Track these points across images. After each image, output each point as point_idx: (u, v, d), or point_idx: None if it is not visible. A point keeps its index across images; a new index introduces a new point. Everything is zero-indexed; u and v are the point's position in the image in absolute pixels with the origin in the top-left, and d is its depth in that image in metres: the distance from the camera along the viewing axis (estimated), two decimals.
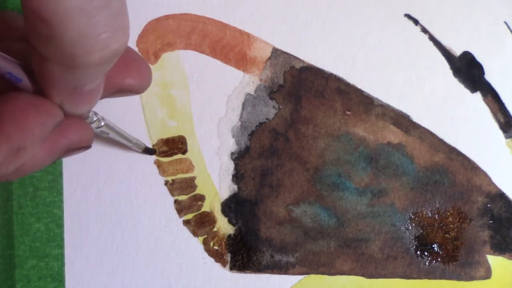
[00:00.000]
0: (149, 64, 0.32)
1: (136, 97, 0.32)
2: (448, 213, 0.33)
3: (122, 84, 0.24)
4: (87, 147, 0.24)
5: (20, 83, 0.20)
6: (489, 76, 0.34)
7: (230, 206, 0.32)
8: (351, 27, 0.33)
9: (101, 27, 0.17)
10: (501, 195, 0.33)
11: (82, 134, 0.23)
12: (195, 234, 0.32)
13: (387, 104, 0.33)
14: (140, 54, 0.25)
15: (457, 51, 0.34)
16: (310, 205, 0.32)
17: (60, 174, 0.31)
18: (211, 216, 0.32)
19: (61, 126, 0.22)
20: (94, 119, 0.25)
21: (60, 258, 0.31)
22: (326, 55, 0.33)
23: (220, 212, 0.32)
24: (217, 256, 0.32)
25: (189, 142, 0.32)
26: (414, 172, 0.33)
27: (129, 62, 0.24)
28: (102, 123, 0.26)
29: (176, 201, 0.32)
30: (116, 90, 0.24)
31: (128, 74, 0.24)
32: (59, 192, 0.31)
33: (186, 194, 0.32)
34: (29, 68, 0.20)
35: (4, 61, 0.20)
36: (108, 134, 0.28)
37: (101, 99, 0.23)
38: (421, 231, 0.33)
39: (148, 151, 0.31)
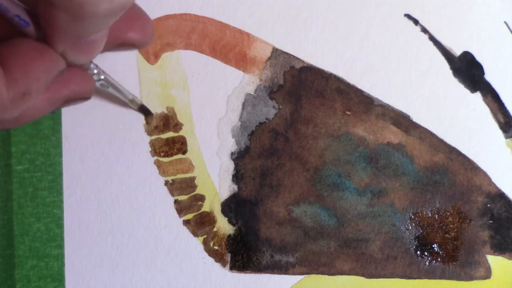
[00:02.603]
0: (149, 64, 0.32)
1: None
2: (448, 213, 0.33)
3: (124, 37, 0.24)
4: (87, 98, 0.25)
5: (27, 27, 0.21)
6: (489, 76, 0.34)
7: (230, 206, 0.32)
8: (351, 27, 0.33)
9: None
10: (501, 195, 0.33)
11: (83, 85, 0.24)
12: (195, 234, 0.32)
13: (387, 104, 0.33)
14: (143, 9, 0.25)
15: (457, 51, 0.34)
16: (310, 205, 0.32)
17: (60, 174, 0.31)
18: (211, 216, 0.32)
19: (63, 76, 0.23)
20: (95, 71, 0.25)
21: (60, 258, 0.31)
22: (326, 55, 0.33)
23: (220, 212, 0.32)
24: (217, 256, 0.32)
25: (189, 142, 0.32)
26: (414, 172, 0.33)
27: (132, 16, 0.24)
28: (102, 77, 0.26)
29: (176, 201, 0.32)
30: (118, 43, 0.24)
31: (131, 28, 0.24)
32: (59, 192, 0.31)
33: (186, 194, 0.32)
34: (34, 15, 0.21)
35: (13, 5, 0.21)
36: (108, 87, 0.28)
37: (103, 51, 0.23)
38: (421, 231, 0.33)
39: (143, 110, 0.31)
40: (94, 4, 0.18)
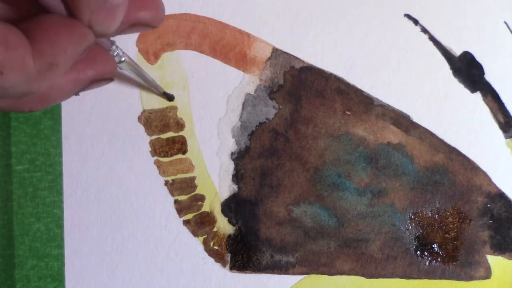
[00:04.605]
0: (149, 64, 0.32)
1: (136, 97, 0.32)
2: (448, 213, 0.33)
3: (137, 17, 0.25)
4: (110, 79, 0.25)
5: (51, 2, 0.21)
6: (489, 76, 0.34)
7: (230, 206, 0.32)
8: (351, 27, 0.33)
9: None
10: (501, 195, 0.33)
11: (107, 65, 0.25)
12: (195, 234, 0.32)
13: (387, 104, 0.33)
14: None
15: (457, 51, 0.34)
16: (310, 205, 0.32)
17: (60, 174, 0.31)
18: (211, 216, 0.32)
19: (87, 57, 0.23)
20: (116, 52, 0.26)
21: (60, 258, 0.31)
22: (326, 55, 0.33)
23: (220, 212, 0.32)
24: (217, 256, 0.32)
25: (189, 142, 0.32)
26: (414, 172, 0.33)
27: None
28: (123, 58, 0.27)
29: (176, 201, 0.32)
30: (132, 23, 0.25)
31: (143, 7, 0.25)
32: (59, 192, 0.31)
33: (186, 194, 0.32)
34: None
35: None
36: (130, 68, 0.28)
37: (119, 33, 0.24)
38: (421, 231, 0.33)
39: (166, 95, 0.32)
40: None
